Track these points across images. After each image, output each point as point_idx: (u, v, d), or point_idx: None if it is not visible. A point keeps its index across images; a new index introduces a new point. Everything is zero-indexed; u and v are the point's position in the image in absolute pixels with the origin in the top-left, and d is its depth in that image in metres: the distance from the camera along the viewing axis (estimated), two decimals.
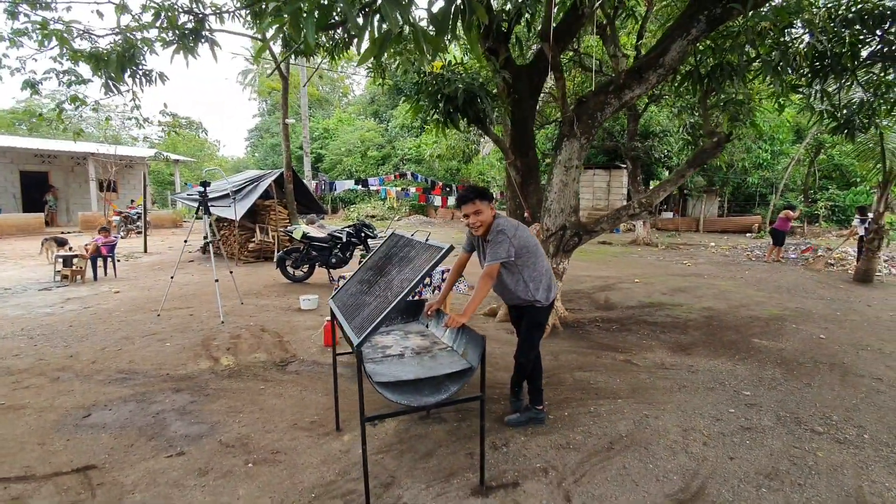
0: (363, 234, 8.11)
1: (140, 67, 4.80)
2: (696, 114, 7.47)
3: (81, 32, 4.80)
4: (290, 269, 8.18)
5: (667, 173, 22.59)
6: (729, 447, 2.97)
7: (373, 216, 21.76)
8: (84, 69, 4.92)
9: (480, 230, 2.91)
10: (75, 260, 8.31)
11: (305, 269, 8.25)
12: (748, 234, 16.52)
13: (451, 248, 2.29)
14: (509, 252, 2.80)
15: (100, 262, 8.63)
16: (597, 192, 18.79)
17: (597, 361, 4.48)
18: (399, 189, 17.60)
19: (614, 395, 3.72)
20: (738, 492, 2.52)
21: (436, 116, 5.97)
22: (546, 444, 2.98)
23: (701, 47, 5.29)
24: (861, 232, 9.44)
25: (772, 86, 5.69)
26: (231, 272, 6.76)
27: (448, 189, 20.50)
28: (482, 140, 16.47)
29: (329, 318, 4.83)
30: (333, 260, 8.07)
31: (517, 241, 2.85)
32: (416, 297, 4.17)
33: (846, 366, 4.41)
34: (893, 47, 4.96)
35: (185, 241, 6.47)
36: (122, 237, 14.95)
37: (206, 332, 5.32)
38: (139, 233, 14.63)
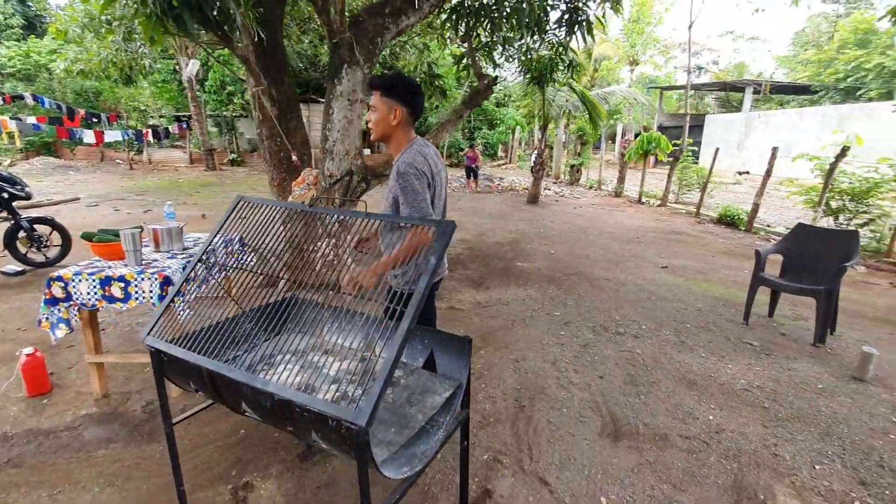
0: (6, 195, 4.98)
1: None
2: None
3: None
4: None
5: None
6: (590, 367, 3.35)
7: None
8: None
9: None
10: None
11: None
12: None
13: (454, 225, 1.49)
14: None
15: None
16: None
17: None
18: (14, 119, 11.67)
19: (474, 348, 3.62)
20: (632, 406, 2.87)
21: (155, 11, 3.94)
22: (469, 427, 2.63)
23: None
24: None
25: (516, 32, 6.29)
26: None
27: (96, 120, 15.09)
28: (184, 58, 12.57)
29: (29, 351, 2.83)
30: None
31: None
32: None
33: (585, 274, 5.68)
34: (571, 16, 6.14)
35: None
36: None
37: None
38: None
